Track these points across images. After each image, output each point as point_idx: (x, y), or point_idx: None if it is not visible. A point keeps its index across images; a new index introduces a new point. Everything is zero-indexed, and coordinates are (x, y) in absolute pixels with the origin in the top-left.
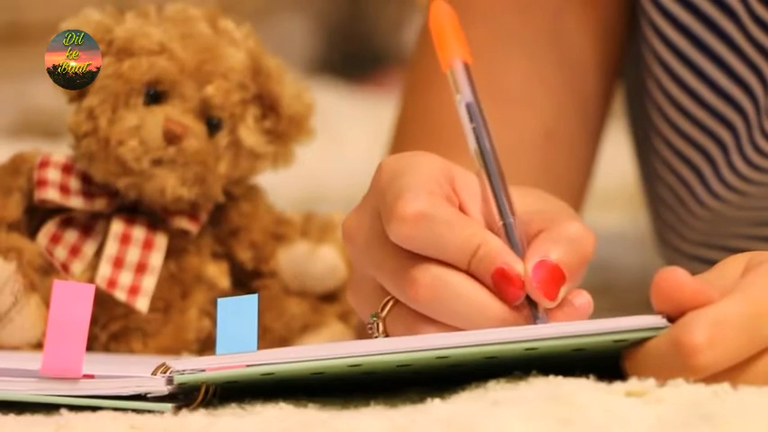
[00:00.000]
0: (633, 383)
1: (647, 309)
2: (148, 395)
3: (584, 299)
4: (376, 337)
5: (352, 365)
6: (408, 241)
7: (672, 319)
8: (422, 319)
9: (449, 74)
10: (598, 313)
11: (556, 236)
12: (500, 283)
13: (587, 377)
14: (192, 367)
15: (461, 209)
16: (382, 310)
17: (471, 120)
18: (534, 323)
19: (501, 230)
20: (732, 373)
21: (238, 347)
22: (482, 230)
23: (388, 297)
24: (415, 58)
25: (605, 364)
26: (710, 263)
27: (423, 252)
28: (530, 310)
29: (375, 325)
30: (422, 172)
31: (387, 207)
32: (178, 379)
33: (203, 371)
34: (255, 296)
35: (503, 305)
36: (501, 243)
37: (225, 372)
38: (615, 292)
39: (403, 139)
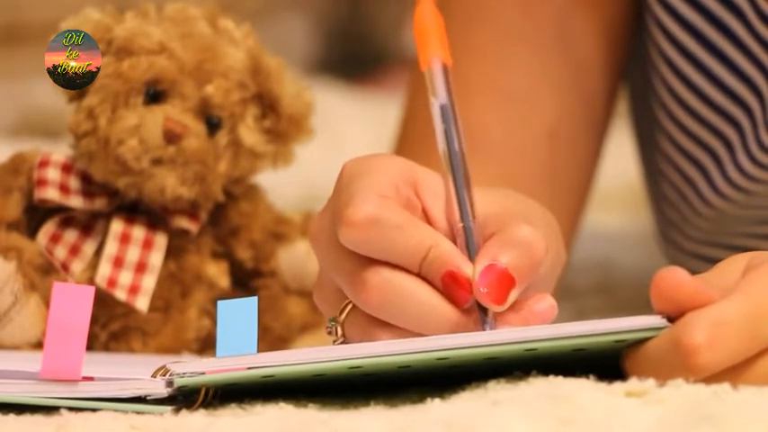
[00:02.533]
0: (633, 383)
1: (647, 309)
2: (148, 397)
3: (546, 303)
4: (335, 341)
5: (352, 367)
6: (358, 245)
7: (672, 320)
8: (376, 323)
9: (426, 73)
10: (598, 313)
11: (506, 239)
12: (449, 287)
13: (587, 377)
14: (192, 370)
15: (424, 211)
16: (341, 313)
17: (443, 121)
18: (482, 327)
19: (460, 233)
20: (732, 373)
21: (238, 350)
22: (433, 233)
23: (347, 301)
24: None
25: (605, 363)
26: (714, 261)
27: (374, 256)
28: (479, 313)
29: (334, 329)
30: (378, 175)
31: (338, 211)
32: (178, 382)
33: (203, 374)
34: (255, 299)
35: (453, 308)
36: (452, 246)
37: (225, 374)
38: (615, 292)
39: (405, 140)
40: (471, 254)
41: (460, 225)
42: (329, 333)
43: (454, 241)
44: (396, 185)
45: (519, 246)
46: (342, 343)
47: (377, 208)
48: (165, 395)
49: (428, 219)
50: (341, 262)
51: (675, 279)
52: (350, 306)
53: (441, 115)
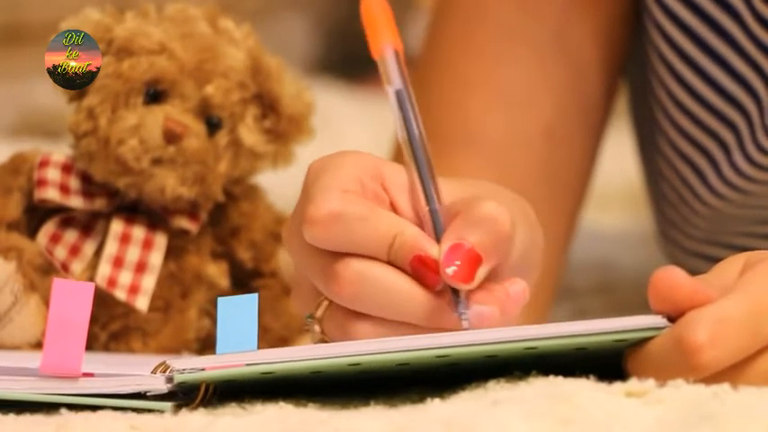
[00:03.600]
0: (633, 384)
1: (647, 308)
2: (148, 394)
3: (519, 286)
4: (313, 338)
5: (351, 364)
6: (323, 242)
7: (672, 319)
8: (352, 316)
9: (379, 62)
10: (598, 313)
11: (469, 218)
12: (419, 271)
13: (587, 377)
14: (191, 366)
15: (392, 204)
16: (317, 309)
17: (400, 107)
18: (456, 308)
19: (427, 218)
20: (733, 371)
21: (238, 347)
22: (398, 221)
23: (322, 297)
24: (421, 57)
25: (606, 363)
26: (713, 260)
27: (341, 250)
28: (451, 295)
29: (311, 326)
30: (342, 171)
31: (302, 211)
32: (178, 378)
33: (203, 370)
34: (255, 295)
35: (426, 292)
36: (418, 231)
37: (224, 371)
38: (615, 292)
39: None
40: (438, 237)
41: (426, 209)
42: (307, 330)
43: (422, 229)
44: (361, 180)
45: (483, 222)
46: (321, 340)
47: (339, 203)
48: (165, 391)
49: (396, 212)
50: (312, 259)
51: (673, 279)
52: (326, 302)
53: (397, 101)
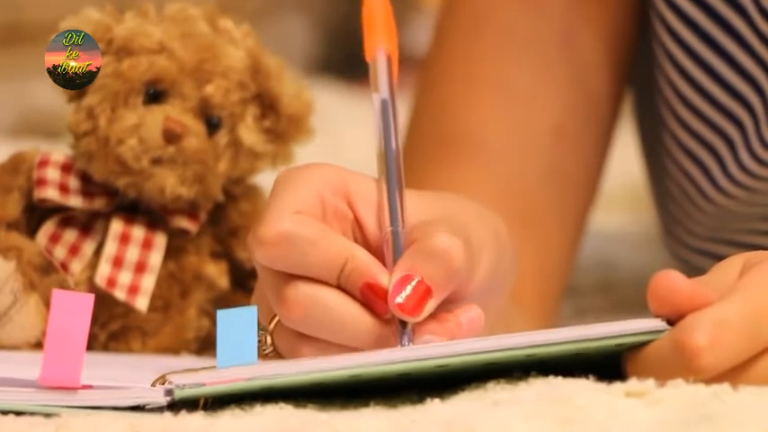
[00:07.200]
0: (633, 384)
1: (648, 308)
2: (147, 406)
3: (473, 313)
4: (264, 350)
5: (352, 376)
6: (273, 263)
7: (671, 322)
8: (300, 337)
9: (370, 65)
10: (599, 312)
11: (422, 249)
12: (368, 298)
13: (587, 378)
14: (192, 381)
15: (356, 220)
16: (269, 323)
17: (383, 118)
18: (400, 338)
19: (388, 238)
20: (733, 373)
21: (239, 359)
22: (349, 245)
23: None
24: (427, 57)
25: (605, 363)
26: (717, 257)
27: (291, 272)
28: (397, 325)
29: (264, 338)
30: (299, 187)
31: (253, 229)
32: (179, 394)
33: (203, 385)
34: (254, 307)
35: (374, 319)
36: (369, 257)
37: (225, 386)
38: (616, 292)
39: (411, 140)
40: (396, 260)
41: (389, 230)
42: (259, 342)
43: (381, 248)
44: (320, 196)
45: (435, 256)
46: (271, 352)
47: (289, 224)
48: (164, 404)
49: (360, 228)
50: (265, 276)
51: (671, 282)
52: (277, 317)
53: (381, 111)
